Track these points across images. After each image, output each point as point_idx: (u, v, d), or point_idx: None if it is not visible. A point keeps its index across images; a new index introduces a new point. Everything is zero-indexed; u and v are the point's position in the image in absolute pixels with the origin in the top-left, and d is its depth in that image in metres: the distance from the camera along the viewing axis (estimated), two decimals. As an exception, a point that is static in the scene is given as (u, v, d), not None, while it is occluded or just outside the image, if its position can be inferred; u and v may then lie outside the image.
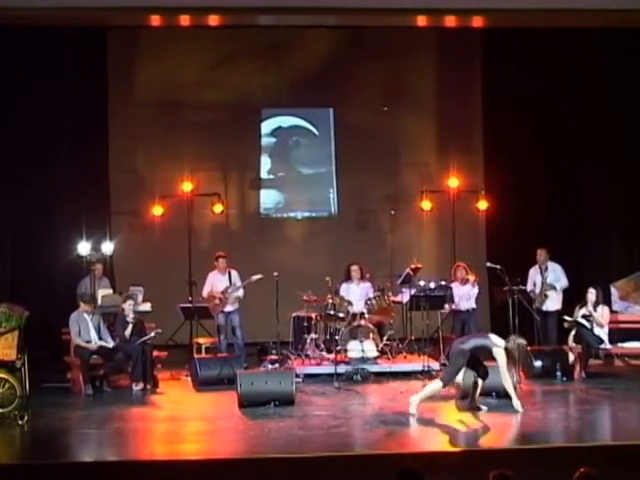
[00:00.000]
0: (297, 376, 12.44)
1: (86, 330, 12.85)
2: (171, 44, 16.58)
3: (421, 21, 13.63)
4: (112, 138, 16.61)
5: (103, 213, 16.14)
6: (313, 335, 13.85)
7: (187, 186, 16.45)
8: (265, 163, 17.66)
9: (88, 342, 12.80)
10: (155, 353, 13.21)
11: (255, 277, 14.01)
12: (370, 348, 13.39)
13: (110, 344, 12.91)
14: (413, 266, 14.04)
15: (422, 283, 13.73)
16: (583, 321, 13.08)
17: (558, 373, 12.91)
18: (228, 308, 14.20)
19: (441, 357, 13.59)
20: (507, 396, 11.41)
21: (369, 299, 13.94)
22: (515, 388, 11.12)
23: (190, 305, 14.32)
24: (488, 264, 13.68)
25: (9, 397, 10.72)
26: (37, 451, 9.98)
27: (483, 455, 9.18)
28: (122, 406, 11.83)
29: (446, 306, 13.97)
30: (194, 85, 17.10)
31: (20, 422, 10.61)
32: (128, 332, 12.95)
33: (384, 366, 13.40)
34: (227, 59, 17.12)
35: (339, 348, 13.31)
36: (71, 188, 15.74)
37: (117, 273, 15.78)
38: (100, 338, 12.90)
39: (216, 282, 14.29)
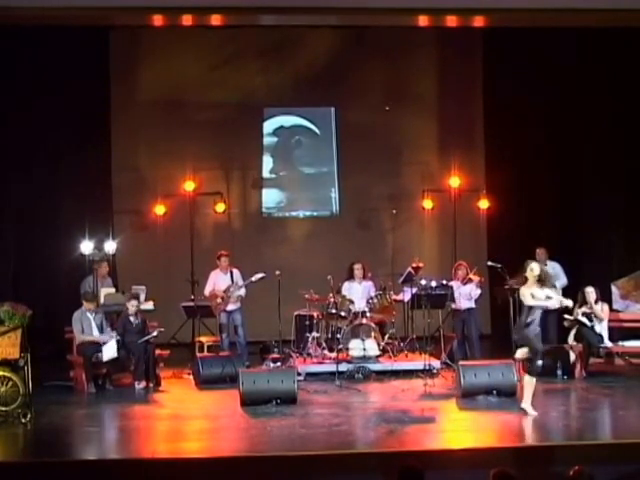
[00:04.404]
0: (299, 374, 12.50)
1: (89, 328, 12.89)
2: (174, 44, 16.61)
3: (422, 21, 13.67)
4: (115, 137, 16.65)
5: (106, 212, 16.16)
6: (315, 334, 13.88)
7: (189, 185, 16.52)
8: (267, 162, 17.71)
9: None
10: (157, 352, 13.23)
11: (257, 276, 14.03)
12: (372, 347, 13.41)
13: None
14: (414, 265, 14.06)
15: (423, 282, 13.73)
16: (584, 319, 13.11)
17: (559, 371, 12.95)
18: (230, 307, 14.23)
19: (442, 356, 13.62)
20: (508, 394, 11.49)
21: (371, 298, 13.96)
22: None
23: (192, 304, 14.36)
24: (489, 263, 13.70)
25: (12, 395, 10.75)
26: (40, 449, 10.03)
27: (484, 453, 9.19)
28: (125, 404, 11.88)
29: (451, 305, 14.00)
30: (196, 85, 17.15)
31: (23, 420, 10.65)
32: (129, 336, 12.98)
33: (386, 365, 13.43)
34: (229, 59, 17.17)
35: (341, 347, 13.33)
36: (74, 187, 15.76)
37: (120, 272, 15.80)
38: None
39: (218, 281, 14.33)
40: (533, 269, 10.77)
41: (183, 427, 10.84)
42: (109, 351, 12.65)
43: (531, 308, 10.76)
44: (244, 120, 17.20)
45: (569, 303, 11.37)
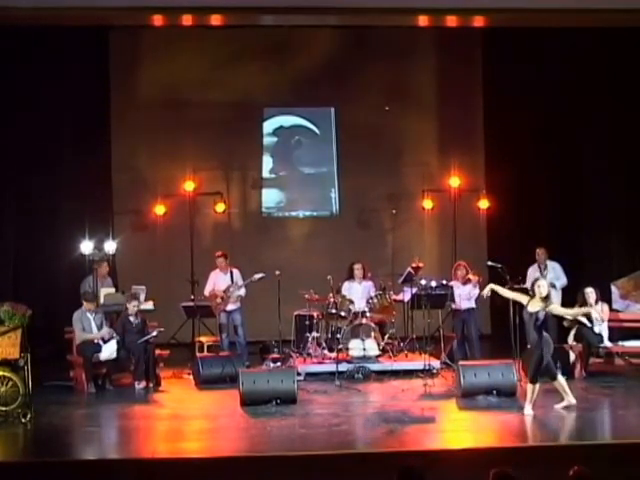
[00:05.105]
0: (299, 374, 12.51)
1: (89, 329, 12.89)
2: (173, 44, 16.63)
3: (422, 21, 13.70)
4: (115, 138, 16.67)
5: (106, 212, 16.17)
6: (315, 334, 13.88)
7: (189, 185, 16.52)
8: (267, 162, 17.71)
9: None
10: (157, 352, 13.24)
11: (257, 276, 14.04)
12: (372, 346, 13.41)
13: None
14: (414, 265, 14.06)
15: (423, 282, 13.73)
16: (583, 319, 13.10)
17: (559, 371, 12.93)
18: (230, 307, 14.23)
19: (442, 356, 13.62)
20: (508, 394, 11.50)
21: (371, 298, 13.96)
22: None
23: (192, 304, 14.37)
24: (489, 263, 13.70)
25: (12, 395, 10.76)
26: (40, 449, 10.05)
27: (484, 453, 9.20)
28: (124, 404, 11.88)
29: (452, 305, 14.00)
30: (196, 85, 17.15)
31: (23, 420, 10.66)
32: (129, 336, 12.97)
33: (385, 364, 13.43)
34: (229, 59, 17.16)
35: (341, 347, 13.33)
36: (74, 187, 15.76)
37: (120, 272, 15.80)
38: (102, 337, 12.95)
39: (218, 281, 14.33)
40: (540, 285, 10.81)
41: (183, 427, 10.84)
42: (108, 351, 12.65)
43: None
44: (244, 120, 17.20)
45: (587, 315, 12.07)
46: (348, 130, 17.42)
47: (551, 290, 12.24)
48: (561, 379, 11.01)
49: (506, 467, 6.29)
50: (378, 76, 17.35)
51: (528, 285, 13.63)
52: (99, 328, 12.94)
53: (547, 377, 10.96)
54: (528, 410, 10.70)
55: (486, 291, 11.39)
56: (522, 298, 10.98)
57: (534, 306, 10.75)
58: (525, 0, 12.29)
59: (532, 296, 10.83)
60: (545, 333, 10.81)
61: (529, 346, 10.95)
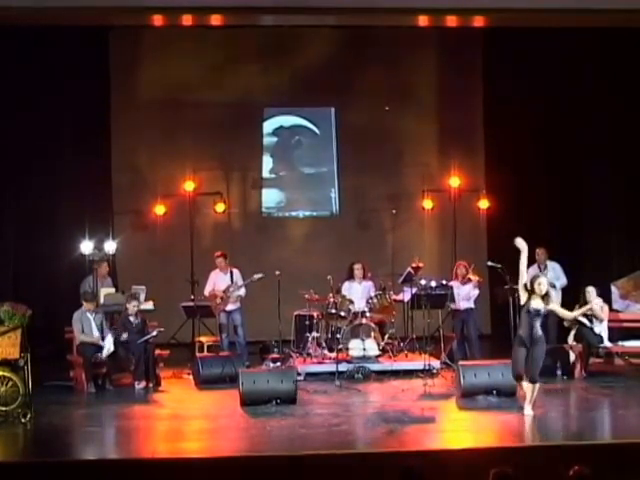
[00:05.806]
0: (299, 374, 12.51)
1: (89, 329, 12.89)
2: (173, 44, 16.63)
3: (422, 21, 13.71)
4: (114, 138, 16.66)
5: (106, 212, 16.16)
6: (315, 334, 13.88)
7: (189, 185, 16.51)
8: (267, 162, 17.71)
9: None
10: (157, 352, 13.24)
11: (257, 276, 14.04)
12: (371, 347, 13.41)
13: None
14: (414, 265, 14.06)
15: (423, 282, 13.73)
16: (583, 320, 13.10)
17: (559, 371, 12.96)
18: (230, 307, 14.23)
19: (442, 356, 13.63)
20: (508, 394, 11.49)
21: (371, 298, 13.96)
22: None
23: (192, 304, 14.37)
24: (489, 263, 13.69)
25: (12, 395, 10.75)
26: (40, 449, 10.03)
27: (484, 453, 9.19)
28: (124, 404, 11.87)
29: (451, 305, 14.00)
30: (196, 85, 17.15)
31: (23, 420, 10.65)
32: (124, 337, 12.95)
33: (385, 364, 13.43)
34: (229, 59, 17.17)
35: (341, 347, 13.33)
36: (74, 187, 15.77)
37: (119, 272, 15.81)
38: (102, 337, 12.93)
39: (218, 281, 14.33)
40: (541, 283, 10.77)
41: (183, 427, 10.83)
42: (107, 346, 12.67)
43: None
44: (244, 120, 17.19)
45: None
46: (348, 130, 17.43)
47: (551, 290, 12.27)
48: (524, 385, 10.86)
49: (506, 467, 6.29)
50: (378, 76, 17.34)
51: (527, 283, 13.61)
52: (99, 328, 12.93)
53: (513, 376, 10.87)
54: (528, 410, 10.70)
55: (518, 240, 11.18)
56: (522, 293, 10.86)
57: (537, 304, 10.71)
58: (525, 0, 12.29)
59: (531, 293, 10.77)
60: (537, 334, 10.76)
61: (521, 336, 10.80)
